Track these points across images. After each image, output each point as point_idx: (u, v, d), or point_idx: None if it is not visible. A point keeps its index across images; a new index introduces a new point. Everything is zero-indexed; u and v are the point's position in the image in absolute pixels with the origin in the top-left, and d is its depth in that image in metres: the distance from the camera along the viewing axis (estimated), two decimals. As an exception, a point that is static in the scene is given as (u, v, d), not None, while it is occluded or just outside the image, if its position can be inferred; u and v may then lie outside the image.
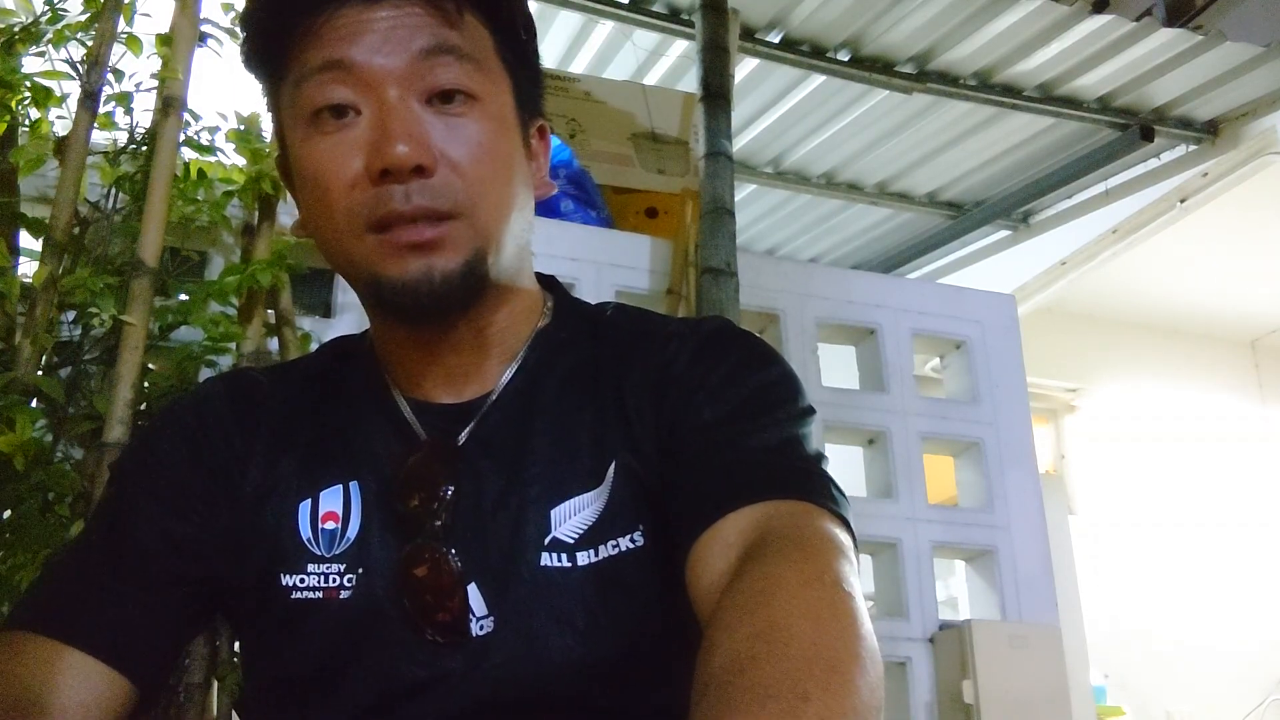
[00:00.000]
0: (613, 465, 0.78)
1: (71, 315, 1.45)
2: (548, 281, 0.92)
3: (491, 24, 0.79)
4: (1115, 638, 4.08)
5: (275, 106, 0.81)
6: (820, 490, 0.72)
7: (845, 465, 2.26)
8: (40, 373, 1.38)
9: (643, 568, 0.76)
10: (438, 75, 0.75)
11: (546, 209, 2.06)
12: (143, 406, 1.43)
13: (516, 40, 0.82)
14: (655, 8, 2.96)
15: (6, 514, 1.30)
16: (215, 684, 1.40)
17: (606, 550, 0.76)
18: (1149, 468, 4.52)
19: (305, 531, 0.80)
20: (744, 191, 3.82)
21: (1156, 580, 4.33)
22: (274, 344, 1.59)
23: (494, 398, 0.82)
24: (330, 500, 0.81)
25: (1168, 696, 4.20)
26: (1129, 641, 4.17)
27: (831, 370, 2.17)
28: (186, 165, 1.56)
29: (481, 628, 0.76)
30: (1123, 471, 4.50)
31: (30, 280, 1.39)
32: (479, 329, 0.82)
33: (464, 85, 0.76)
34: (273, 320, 1.59)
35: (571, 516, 0.77)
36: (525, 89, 0.83)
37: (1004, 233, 4.26)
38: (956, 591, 3.06)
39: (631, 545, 0.76)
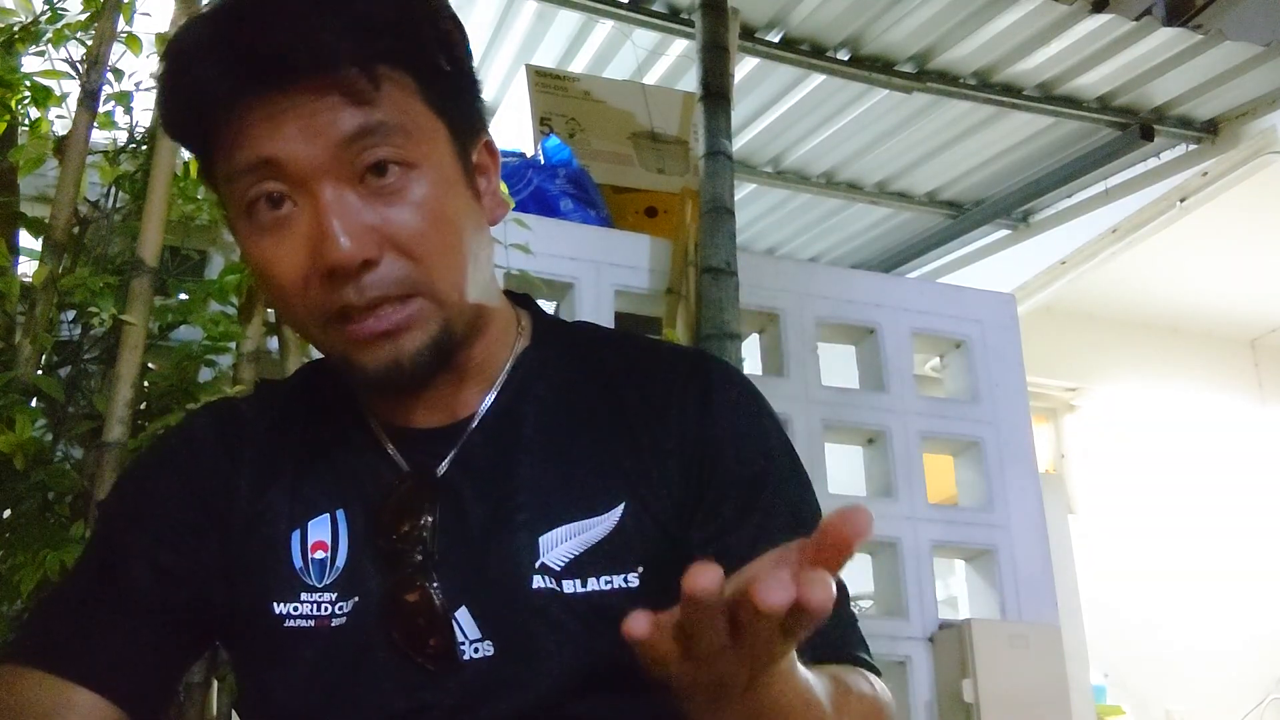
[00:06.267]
0: (623, 504, 0.78)
1: (71, 315, 1.45)
2: (521, 299, 0.92)
3: (414, 72, 0.76)
4: (1115, 637, 4.07)
5: (208, 176, 0.79)
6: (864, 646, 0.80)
7: (845, 465, 2.26)
8: (40, 372, 1.38)
9: (633, 607, 0.76)
10: (365, 156, 0.73)
11: (546, 208, 2.06)
12: (143, 406, 1.43)
13: (440, 77, 0.78)
14: (655, 7, 2.95)
15: (6, 514, 1.30)
16: (215, 684, 1.40)
17: (596, 584, 0.76)
18: (1149, 467, 4.51)
19: (297, 561, 0.80)
20: (744, 191, 3.81)
21: (1156, 580, 4.32)
22: (274, 343, 1.59)
23: (475, 424, 0.82)
24: (318, 530, 0.81)
25: (1168, 696, 4.20)
26: (1129, 641, 4.16)
27: (831, 370, 2.17)
28: (186, 164, 1.56)
29: (476, 650, 0.76)
30: (1123, 471, 4.50)
31: (30, 280, 1.39)
32: (457, 363, 0.81)
33: (396, 157, 0.74)
34: (273, 319, 1.59)
35: (559, 544, 0.77)
36: (460, 123, 0.80)
37: (1004, 232, 4.25)
38: (956, 591, 3.05)
39: (624, 585, 0.76)
